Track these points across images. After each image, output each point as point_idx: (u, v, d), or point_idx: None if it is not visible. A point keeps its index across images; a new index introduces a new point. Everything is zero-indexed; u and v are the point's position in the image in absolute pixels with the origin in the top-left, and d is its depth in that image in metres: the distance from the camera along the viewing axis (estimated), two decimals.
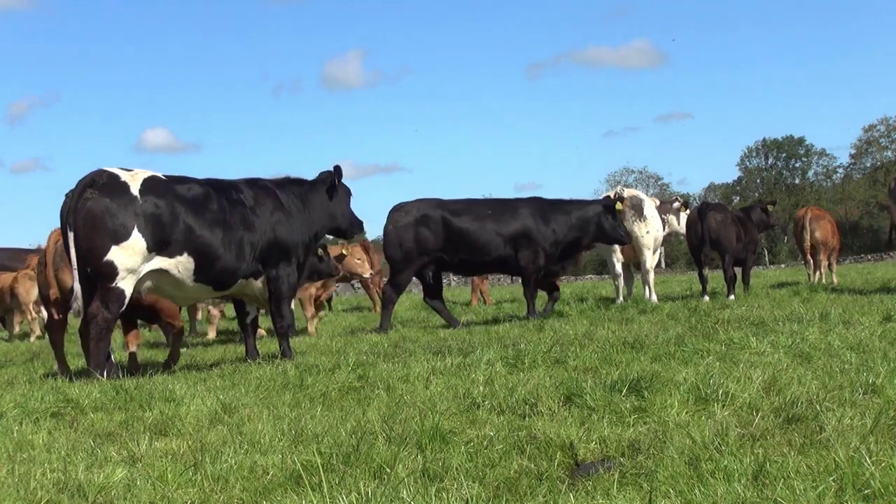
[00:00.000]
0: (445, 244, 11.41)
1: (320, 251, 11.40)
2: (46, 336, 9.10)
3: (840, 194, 71.76)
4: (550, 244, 11.62)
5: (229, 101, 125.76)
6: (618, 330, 8.38)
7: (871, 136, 72.21)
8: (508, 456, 3.70)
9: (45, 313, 9.74)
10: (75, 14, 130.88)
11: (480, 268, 12.17)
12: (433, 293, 11.80)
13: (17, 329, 15.59)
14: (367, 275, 13.89)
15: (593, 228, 11.90)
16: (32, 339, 14.24)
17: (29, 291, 14.56)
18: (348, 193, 9.17)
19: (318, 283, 12.42)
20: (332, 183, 8.90)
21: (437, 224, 11.39)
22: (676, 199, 17.55)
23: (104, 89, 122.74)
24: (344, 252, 13.23)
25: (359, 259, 13.53)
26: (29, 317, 14.72)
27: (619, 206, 12.21)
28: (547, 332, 8.70)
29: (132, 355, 8.36)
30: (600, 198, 12.90)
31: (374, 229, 19.55)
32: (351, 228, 9.22)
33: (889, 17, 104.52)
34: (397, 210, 11.62)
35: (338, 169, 9.02)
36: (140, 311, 8.70)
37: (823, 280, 16.11)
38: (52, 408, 5.50)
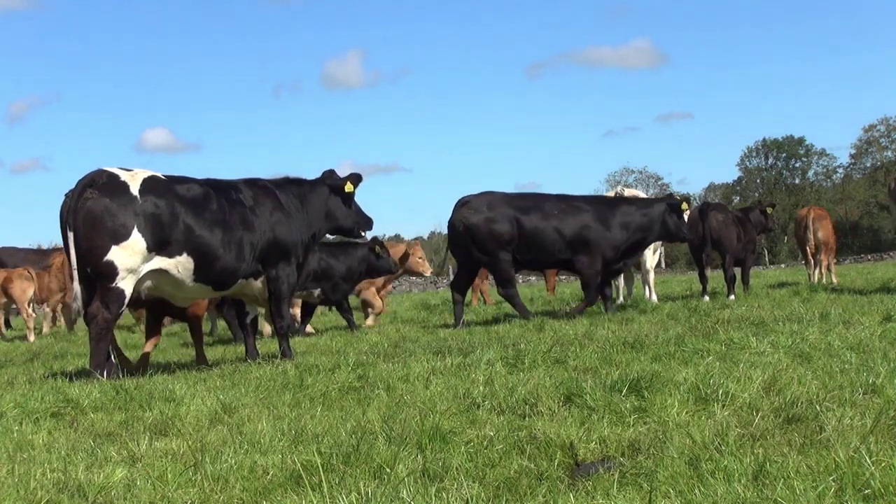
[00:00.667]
0: (517, 243, 11.32)
1: (377, 248, 11.41)
2: (42, 336, 9.20)
3: (840, 194, 71.70)
4: (612, 248, 11.57)
5: (229, 101, 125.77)
6: (618, 330, 8.38)
7: (871, 136, 72.13)
8: (508, 456, 3.70)
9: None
10: (75, 14, 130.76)
11: (551, 266, 12.34)
12: (461, 286, 11.73)
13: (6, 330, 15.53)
14: (427, 273, 14.06)
15: (658, 227, 11.87)
16: (32, 338, 14.20)
17: (25, 291, 14.51)
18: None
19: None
20: (341, 185, 8.86)
21: (511, 223, 11.26)
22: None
23: (104, 89, 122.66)
24: (408, 251, 13.42)
25: (420, 258, 13.67)
26: (25, 315, 14.67)
27: (684, 206, 12.13)
28: (547, 332, 8.70)
29: (145, 356, 8.31)
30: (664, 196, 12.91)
31: (374, 229, 19.54)
32: (358, 227, 9.14)
33: (889, 16, 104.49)
34: (465, 206, 11.39)
35: (355, 176, 8.98)
36: (171, 308, 8.63)
37: (823, 280, 16.12)
38: (52, 408, 5.51)
